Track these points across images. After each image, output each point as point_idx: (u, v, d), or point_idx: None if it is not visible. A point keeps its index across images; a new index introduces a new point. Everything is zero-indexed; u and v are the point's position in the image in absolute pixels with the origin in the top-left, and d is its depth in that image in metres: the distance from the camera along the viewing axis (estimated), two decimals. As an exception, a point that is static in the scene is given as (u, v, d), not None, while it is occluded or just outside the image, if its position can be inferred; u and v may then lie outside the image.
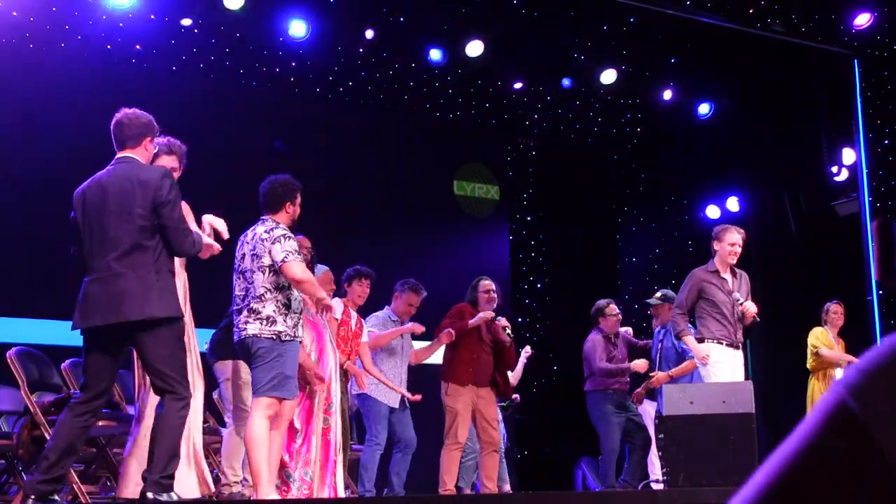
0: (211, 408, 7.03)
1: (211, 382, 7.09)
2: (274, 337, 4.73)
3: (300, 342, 4.89)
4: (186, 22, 8.51)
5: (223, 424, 6.62)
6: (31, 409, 5.29)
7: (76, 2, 8.22)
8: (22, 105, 8.29)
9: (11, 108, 8.22)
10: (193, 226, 4.55)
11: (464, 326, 6.42)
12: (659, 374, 7.18)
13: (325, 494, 5.38)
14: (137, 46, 8.72)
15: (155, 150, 4.58)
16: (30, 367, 5.43)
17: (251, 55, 9.15)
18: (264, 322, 4.74)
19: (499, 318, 6.61)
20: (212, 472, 6.91)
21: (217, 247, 4.58)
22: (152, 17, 8.46)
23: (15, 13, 8.20)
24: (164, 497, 4.00)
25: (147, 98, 8.71)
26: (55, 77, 8.41)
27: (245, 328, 4.79)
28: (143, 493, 4.05)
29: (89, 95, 8.15)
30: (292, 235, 4.91)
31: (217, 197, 9.38)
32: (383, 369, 6.58)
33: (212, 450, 6.54)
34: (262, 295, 4.79)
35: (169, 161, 4.72)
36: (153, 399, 4.46)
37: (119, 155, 4.33)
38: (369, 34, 9.01)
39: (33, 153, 8.35)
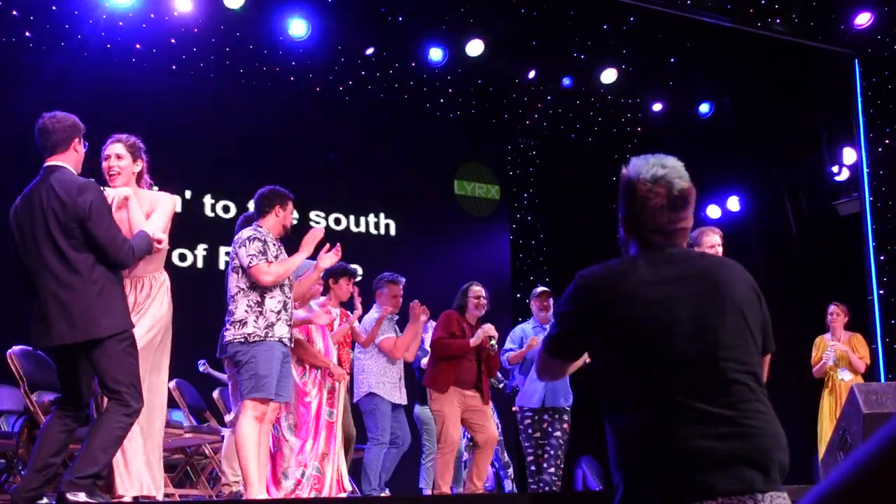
0: (211, 408, 7.04)
1: (210, 383, 7.12)
2: (243, 339, 4.74)
3: (279, 340, 4.79)
4: (186, 18, 8.50)
5: (223, 424, 6.62)
6: (31, 409, 5.30)
7: (76, 1, 8.21)
8: (21, 105, 8.29)
9: (10, 108, 8.21)
10: (154, 224, 4.36)
11: (465, 345, 6.40)
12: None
13: (327, 486, 5.43)
14: (137, 46, 8.72)
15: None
16: (30, 366, 5.42)
17: (251, 54, 9.15)
18: (236, 325, 4.78)
19: (486, 325, 6.57)
20: (211, 471, 6.93)
21: (160, 242, 4.35)
22: (152, 16, 8.46)
23: (15, 13, 8.20)
24: (82, 497, 3.87)
25: (147, 97, 8.75)
26: (55, 77, 8.40)
27: (224, 334, 4.86)
28: (60, 494, 3.91)
29: (89, 95, 8.14)
30: (260, 236, 4.88)
31: (214, 193, 9.41)
32: (383, 366, 6.58)
33: (212, 450, 6.55)
34: (235, 295, 4.84)
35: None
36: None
37: (47, 163, 4.14)
38: (370, 50, 9.14)
39: (32, 153, 8.34)
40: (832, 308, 8.18)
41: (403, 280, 6.75)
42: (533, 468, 7.09)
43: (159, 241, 4.32)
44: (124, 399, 3.96)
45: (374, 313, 6.65)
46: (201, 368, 7.84)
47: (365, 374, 6.54)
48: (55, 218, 3.97)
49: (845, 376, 8.00)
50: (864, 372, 7.89)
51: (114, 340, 3.98)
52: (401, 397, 6.63)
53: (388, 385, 6.55)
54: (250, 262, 4.77)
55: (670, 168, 2.30)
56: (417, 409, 7.28)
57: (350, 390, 6.54)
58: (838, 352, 8.00)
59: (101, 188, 4.21)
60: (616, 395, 2.16)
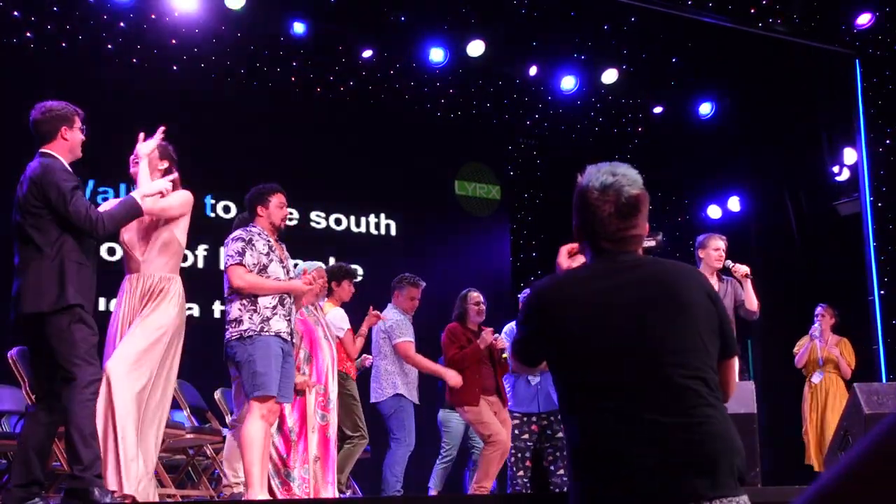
0: (212, 407, 7.03)
1: (211, 382, 7.11)
2: (238, 336, 4.72)
3: (276, 335, 4.75)
4: (187, 18, 8.51)
5: (225, 425, 6.61)
6: (32, 409, 5.29)
7: (77, 2, 8.22)
8: (21, 105, 8.28)
9: (12, 108, 8.21)
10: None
11: (476, 350, 6.41)
12: None
13: (329, 491, 5.39)
14: (138, 46, 8.72)
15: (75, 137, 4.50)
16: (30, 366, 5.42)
17: (252, 54, 9.15)
18: (233, 325, 4.77)
19: (487, 330, 6.58)
20: (212, 472, 6.93)
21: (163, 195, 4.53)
22: (153, 16, 8.46)
23: (15, 13, 8.20)
24: (97, 493, 3.88)
25: (147, 98, 8.74)
26: (55, 77, 8.40)
27: (225, 335, 4.84)
28: (68, 489, 3.93)
29: (90, 95, 8.13)
30: (245, 237, 4.87)
31: (214, 193, 9.40)
32: (406, 366, 6.59)
33: (213, 450, 6.54)
34: (230, 296, 4.84)
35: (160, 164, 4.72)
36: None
37: (39, 150, 4.34)
38: (370, 51, 9.18)
39: (33, 153, 8.33)
40: (819, 310, 8.17)
41: (423, 284, 6.74)
42: (515, 469, 7.06)
43: (162, 193, 4.46)
44: (74, 374, 3.94)
45: (388, 312, 6.63)
46: None
47: (388, 374, 6.52)
48: (22, 199, 4.14)
49: (815, 378, 8.00)
50: (849, 379, 7.82)
51: (60, 315, 3.99)
52: (417, 398, 6.66)
53: (411, 386, 6.57)
54: (227, 262, 4.82)
55: (620, 175, 2.31)
56: (441, 413, 7.21)
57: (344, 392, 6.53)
58: (826, 353, 8.00)
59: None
60: (567, 404, 2.17)
